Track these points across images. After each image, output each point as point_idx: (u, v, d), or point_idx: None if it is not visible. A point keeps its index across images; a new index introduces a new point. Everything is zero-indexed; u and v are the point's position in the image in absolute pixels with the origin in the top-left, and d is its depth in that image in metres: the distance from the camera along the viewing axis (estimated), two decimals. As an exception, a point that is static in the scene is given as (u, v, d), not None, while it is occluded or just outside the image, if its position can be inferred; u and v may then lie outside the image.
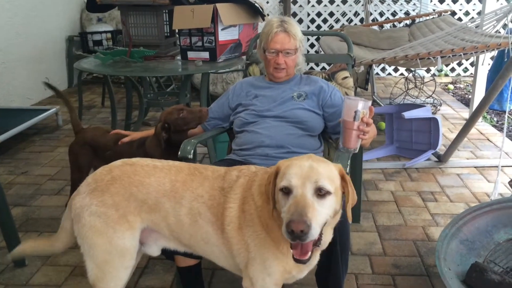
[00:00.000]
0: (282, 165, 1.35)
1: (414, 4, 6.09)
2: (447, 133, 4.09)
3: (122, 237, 1.45)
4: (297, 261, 1.29)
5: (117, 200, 1.45)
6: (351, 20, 6.27)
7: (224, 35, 3.13)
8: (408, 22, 5.26)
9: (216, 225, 1.46)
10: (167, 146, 2.17)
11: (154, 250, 1.59)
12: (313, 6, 6.34)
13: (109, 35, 5.85)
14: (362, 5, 5.80)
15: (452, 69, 6.38)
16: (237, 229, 1.44)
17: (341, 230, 1.67)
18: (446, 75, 6.38)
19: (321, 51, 4.66)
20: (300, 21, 6.34)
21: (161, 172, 1.49)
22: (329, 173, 1.31)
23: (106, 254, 1.47)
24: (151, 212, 1.47)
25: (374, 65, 5.35)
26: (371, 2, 5.62)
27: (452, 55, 3.01)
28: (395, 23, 5.61)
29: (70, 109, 2.71)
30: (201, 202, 1.47)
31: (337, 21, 6.33)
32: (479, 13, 6.08)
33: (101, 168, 1.53)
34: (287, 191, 1.28)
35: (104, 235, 1.45)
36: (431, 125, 3.47)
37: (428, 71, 6.25)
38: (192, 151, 2.00)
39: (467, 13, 6.14)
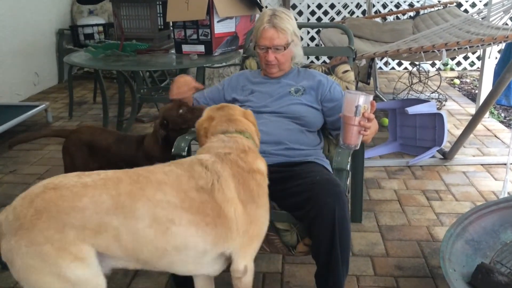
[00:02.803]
0: None
1: (419, -5, 6.08)
2: (452, 129, 4.09)
3: (71, 269, 1.30)
4: None
5: (49, 235, 1.28)
6: (353, 12, 6.26)
7: (220, 28, 3.12)
8: (412, 14, 5.25)
9: (203, 222, 1.42)
10: (166, 144, 2.16)
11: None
12: (313, -3, 6.33)
13: (100, 28, 5.83)
14: (364, -4, 5.80)
15: (458, 63, 6.38)
16: (241, 212, 1.48)
17: (341, 230, 1.68)
18: (452, 69, 6.38)
19: (321, 45, 4.65)
20: (300, 13, 6.33)
21: (94, 190, 1.34)
22: None
23: None
24: (96, 236, 1.32)
25: (376, 59, 5.34)
26: (374, -7, 5.62)
27: (458, 48, 3.00)
28: (399, 15, 5.61)
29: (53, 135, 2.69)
30: (170, 208, 1.38)
31: (338, 13, 6.31)
32: (485, 4, 6.06)
33: (19, 198, 1.35)
34: None
35: (48, 273, 1.30)
36: (436, 121, 3.47)
37: (433, 65, 6.24)
38: (187, 148, 2.00)
39: (473, 5, 6.14)
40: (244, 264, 1.54)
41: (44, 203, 1.31)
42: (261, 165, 1.63)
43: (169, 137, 2.16)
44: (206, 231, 1.43)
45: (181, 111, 2.15)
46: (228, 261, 1.54)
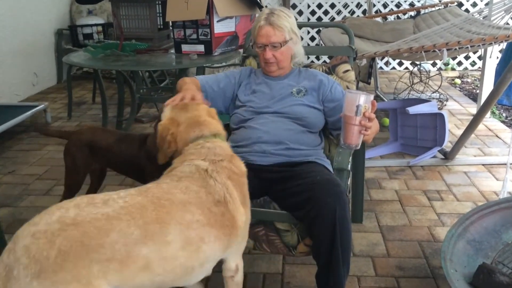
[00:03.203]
0: None
1: (419, -6, 6.09)
2: (453, 129, 4.09)
3: None
4: None
5: (76, 273, 1.22)
6: (353, 12, 6.27)
7: (220, 27, 3.12)
8: (413, 13, 5.26)
9: (223, 235, 1.45)
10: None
11: None
12: (313, -3, 6.33)
13: (100, 28, 5.84)
14: (365, -4, 5.80)
15: (459, 63, 6.38)
16: (245, 219, 1.54)
17: (342, 230, 1.68)
18: (453, 69, 6.38)
19: (322, 44, 4.65)
20: (300, 13, 6.33)
21: (121, 222, 1.27)
22: None
23: None
24: (123, 269, 1.27)
25: (377, 59, 5.34)
26: (374, -7, 5.62)
27: (459, 48, 3.00)
28: (399, 14, 5.62)
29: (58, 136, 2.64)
30: (199, 226, 1.39)
31: (338, 12, 6.32)
32: (487, 4, 6.07)
33: (29, 237, 1.23)
34: None
35: None
36: (437, 121, 3.47)
37: (434, 64, 6.25)
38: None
39: (474, 4, 6.14)
40: (236, 263, 1.59)
41: (68, 243, 1.22)
42: (244, 167, 1.65)
43: None
44: (224, 242, 1.46)
45: None
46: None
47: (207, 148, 1.58)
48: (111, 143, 2.32)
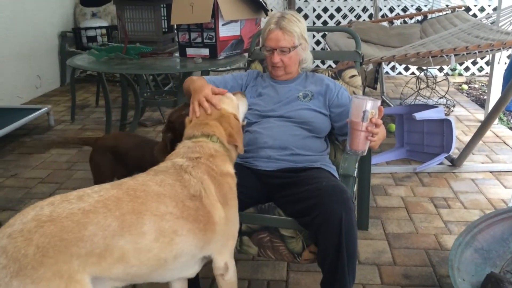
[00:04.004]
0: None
1: (426, -1, 6.08)
2: (461, 135, 4.08)
3: None
4: None
5: (57, 269, 1.23)
6: (359, 16, 6.27)
7: (225, 31, 3.13)
8: (419, 18, 5.25)
9: (197, 229, 1.47)
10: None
11: None
12: (319, 1, 6.34)
13: (104, 31, 5.87)
14: (371, 0, 5.80)
15: (466, 68, 6.37)
16: (224, 215, 1.55)
17: (347, 237, 1.67)
18: (460, 74, 6.37)
19: (327, 49, 4.65)
20: (306, 16, 6.34)
21: (98, 215, 1.30)
22: None
23: None
24: (100, 261, 1.29)
25: (383, 64, 5.34)
26: (381, -3, 5.63)
27: (467, 53, 3.00)
28: (406, 19, 5.60)
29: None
30: (172, 219, 1.42)
31: (344, 17, 6.32)
32: (495, 9, 6.06)
33: (7, 238, 1.24)
34: None
35: None
36: (444, 127, 3.46)
37: (441, 70, 6.24)
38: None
39: (482, 9, 6.14)
40: (224, 261, 1.62)
41: (45, 239, 1.23)
42: (230, 168, 1.69)
43: (177, 141, 2.14)
44: (199, 237, 1.48)
45: (184, 112, 2.13)
46: (206, 260, 1.61)
47: (187, 147, 1.66)
48: (132, 148, 2.34)
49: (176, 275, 1.58)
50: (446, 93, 5.00)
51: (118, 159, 2.36)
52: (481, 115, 4.60)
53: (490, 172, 3.38)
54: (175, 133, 2.10)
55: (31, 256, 1.21)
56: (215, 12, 3.00)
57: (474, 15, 5.95)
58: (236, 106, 1.87)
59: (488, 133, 3.86)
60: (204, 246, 1.52)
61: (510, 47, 2.96)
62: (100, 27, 5.85)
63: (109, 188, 1.40)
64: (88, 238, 1.27)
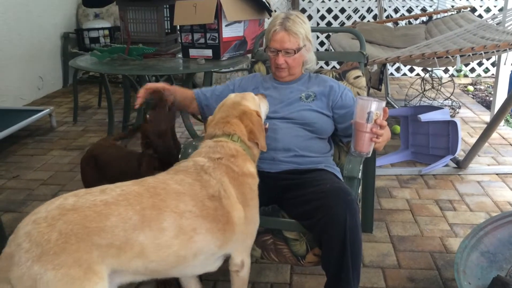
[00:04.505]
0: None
1: (431, -1, 6.08)
2: (466, 137, 4.06)
3: None
4: None
5: (78, 257, 1.27)
6: (364, 17, 6.26)
7: (228, 32, 3.13)
8: (424, 18, 5.25)
9: (216, 229, 1.51)
10: (161, 163, 2.03)
11: None
12: (323, 1, 6.34)
13: (106, 31, 5.88)
14: (376, 0, 5.80)
15: (472, 70, 6.36)
16: (243, 216, 1.59)
17: (352, 240, 1.67)
18: (466, 75, 6.35)
19: (331, 50, 4.65)
20: (310, 17, 6.34)
21: (119, 207, 1.35)
22: None
23: None
24: (120, 254, 1.34)
25: (388, 65, 5.33)
26: (385, -2, 5.62)
27: (472, 54, 2.99)
28: (411, 19, 5.60)
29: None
30: (192, 217, 1.45)
31: (348, 17, 6.32)
32: (501, 10, 6.05)
33: (30, 223, 1.29)
34: None
35: None
36: (450, 128, 3.45)
37: (446, 71, 6.22)
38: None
39: (488, 10, 6.12)
40: (241, 259, 1.67)
41: (69, 225, 1.28)
42: (251, 168, 1.71)
43: (159, 153, 2.08)
44: (218, 236, 1.52)
45: (148, 117, 2.08)
46: (226, 257, 1.66)
47: (208, 147, 1.69)
48: (113, 159, 2.30)
49: (198, 271, 1.65)
50: (452, 94, 4.99)
51: (98, 169, 2.32)
52: (487, 117, 4.59)
53: (496, 174, 3.37)
54: (154, 148, 2.07)
55: (54, 241, 1.26)
56: (218, 12, 3.01)
57: (480, 16, 5.93)
58: (258, 104, 1.91)
59: (494, 135, 3.84)
60: (223, 245, 1.56)
61: (516, 48, 2.95)
62: (103, 28, 5.87)
63: (130, 184, 1.46)
64: (109, 229, 1.31)
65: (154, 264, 1.41)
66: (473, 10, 5.67)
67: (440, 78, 5.13)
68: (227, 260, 1.69)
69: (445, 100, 4.91)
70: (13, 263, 1.26)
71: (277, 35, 2.06)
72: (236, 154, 1.67)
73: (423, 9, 6.07)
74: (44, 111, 4.39)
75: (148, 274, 1.46)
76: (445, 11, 5.08)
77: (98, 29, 5.85)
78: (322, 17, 6.39)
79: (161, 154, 2.07)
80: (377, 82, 4.54)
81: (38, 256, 1.25)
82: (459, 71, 6.33)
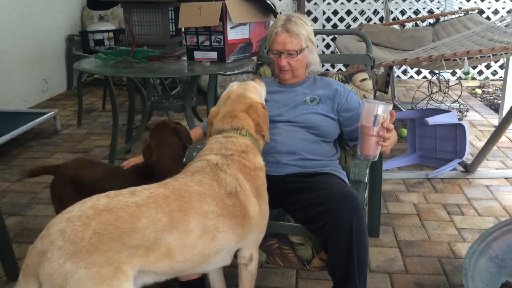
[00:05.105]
0: None
1: (439, 1, 6.06)
2: (474, 141, 4.05)
3: None
4: None
5: (109, 256, 1.31)
6: (370, 19, 6.26)
7: (233, 34, 3.14)
8: (432, 21, 5.24)
9: (236, 225, 1.56)
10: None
11: None
12: (329, 3, 6.34)
13: (111, 34, 5.90)
14: (382, 2, 5.79)
15: (480, 72, 6.34)
16: (258, 209, 1.64)
17: (358, 244, 1.66)
18: (473, 78, 6.33)
19: (337, 52, 4.65)
20: (315, 19, 6.34)
21: (149, 209, 1.40)
22: None
23: None
24: (148, 254, 1.38)
25: (394, 67, 5.33)
26: (392, 0, 5.61)
27: (480, 56, 2.99)
28: (418, 22, 5.60)
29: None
30: (214, 217, 1.51)
31: (354, 20, 6.32)
32: (509, 11, 6.04)
33: (64, 222, 1.32)
34: None
35: None
36: (457, 132, 3.44)
37: (453, 74, 6.21)
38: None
39: (496, 12, 6.10)
40: (250, 253, 1.72)
41: (102, 225, 1.32)
42: (261, 161, 1.77)
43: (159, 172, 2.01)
44: (237, 232, 1.58)
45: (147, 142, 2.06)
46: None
47: (219, 143, 1.73)
48: (100, 179, 2.09)
49: (215, 267, 1.74)
50: (459, 97, 4.97)
51: (81, 193, 1.91)
52: (495, 120, 4.57)
53: (505, 178, 3.35)
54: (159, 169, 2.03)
55: (87, 240, 1.29)
56: (224, 15, 3.01)
57: (488, 18, 5.92)
58: (261, 94, 1.96)
59: (503, 139, 3.83)
60: (241, 240, 1.62)
61: (525, 50, 2.94)
62: (108, 31, 5.89)
63: (156, 187, 1.51)
64: (140, 230, 1.36)
65: (180, 265, 1.46)
66: (481, 12, 5.65)
67: (448, 81, 5.12)
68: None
69: (453, 103, 4.90)
70: (45, 259, 1.28)
71: (278, 36, 2.08)
72: (246, 149, 1.72)
73: (430, 11, 6.06)
74: (48, 114, 4.41)
75: (173, 274, 1.52)
76: (453, 13, 5.07)
77: (102, 31, 5.87)
78: (328, 19, 6.39)
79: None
80: (384, 85, 4.53)
81: (71, 254, 1.28)
82: (466, 73, 6.31)
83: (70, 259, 1.27)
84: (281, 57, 2.09)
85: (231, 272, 1.96)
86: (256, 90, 1.93)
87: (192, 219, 1.46)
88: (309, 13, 6.28)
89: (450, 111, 3.65)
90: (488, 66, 6.27)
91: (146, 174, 2.05)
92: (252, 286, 1.80)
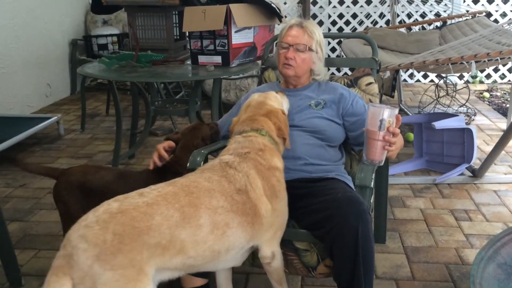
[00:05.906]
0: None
1: (446, 4, 6.06)
2: (482, 145, 4.03)
3: None
4: None
5: (132, 257, 1.34)
6: (376, 22, 6.27)
7: (237, 38, 3.15)
8: (438, 24, 5.23)
9: (246, 222, 1.57)
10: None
11: None
12: (334, 7, 6.35)
13: (115, 38, 5.94)
14: (388, 5, 5.79)
15: (488, 76, 6.32)
16: (270, 208, 1.65)
17: (364, 250, 1.66)
18: (481, 82, 6.32)
19: (343, 56, 4.65)
20: (321, 23, 6.35)
21: (161, 207, 1.43)
22: None
23: None
24: (164, 253, 1.41)
25: (401, 71, 5.32)
26: (398, 3, 5.61)
27: (488, 60, 2.98)
28: (425, 25, 5.59)
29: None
30: (224, 212, 1.53)
31: (360, 23, 6.33)
32: (517, 14, 6.03)
33: (82, 227, 1.35)
34: None
35: None
36: (465, 136, 3.43)
37: (461, 77, 6.19)
38: (202, 162, 2.00)
39: (504, 15, 6.09)
40: (271, 251, 1.72)
41: (120, 227, 1.35)
42: (278, 162, 1.79)
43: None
44: (247, 230, 1.59)
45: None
46: (253, 249, 1.72)
47: (238, 142, 1.78)
48: (109, 183, 2.09)
49: (228, 265, 1.77)
50: (467, 101, 4.96)
51: (89, 199, 1.97)
52: (503, 124, 4.55)
53: (514, 183, 3.34)
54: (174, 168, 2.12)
55: (110, 242, 1.32)
56: (228, 18, 3.02)
57: (496, 21, 5.91)
58: (281, 102, 2.00)
59: (511, 143, 3.81)
60: (252, 239, 1.63)
61: (533, 54, 2.93)
62: (111, 35, 5.92)
63: (164, 186, 1.54)
64: (156, 228, 1.39)
65: (192, 260, 1.48)
66: (489, 15, 5.64)
67: (455, 85, 5.11)
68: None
69: (460, 107, 4.89)
70: (73, 263, 1.31)
71: (292, 30, 2.14)
72: (264, 148, 1.75)
73: (437, 14, 6.05)
74: (51, 119, 4.43)
75: (185, 270, 1.54)
76: (460, 16, 5.07)
77: (106, 35, 5.90)
78: (334, 23, 6.40)
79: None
80: (390, 89, 4.53)
81: (97, 256, 1.30)
82: (474, 77, 6.30)
83: (97, 261, 1.30)
84: (289, 49, 2.12)
85: (239, 279, 1.96)
86: (277, 99, 1.99)
87: (203, 214, 1.49)
88: (314, 16, 6.29)
89: (457, 115, 3.64)
90: (496, 70, 6.25)
91: (156, 177, 2.04)
92: (282, 276, 1.82)
